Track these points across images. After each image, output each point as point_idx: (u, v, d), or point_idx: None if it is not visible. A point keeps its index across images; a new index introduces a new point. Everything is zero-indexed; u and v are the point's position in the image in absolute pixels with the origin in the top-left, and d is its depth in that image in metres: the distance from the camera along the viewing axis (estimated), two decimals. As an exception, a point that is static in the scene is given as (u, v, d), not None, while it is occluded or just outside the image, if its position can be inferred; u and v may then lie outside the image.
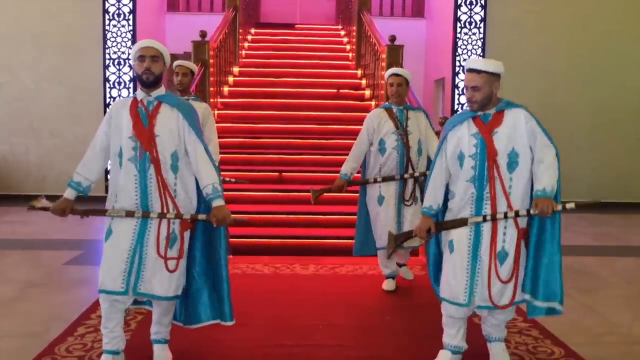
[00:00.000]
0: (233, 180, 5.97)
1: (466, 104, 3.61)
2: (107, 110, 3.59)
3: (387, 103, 5.40)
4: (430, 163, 5.20)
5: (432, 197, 3.66)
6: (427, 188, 3.70)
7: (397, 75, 5.24)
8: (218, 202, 3.47)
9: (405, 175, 5.20)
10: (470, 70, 3.44)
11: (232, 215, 3.49)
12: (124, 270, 3.38)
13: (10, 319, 4.58)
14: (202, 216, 3.53)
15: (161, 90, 3.52)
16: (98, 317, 4.40)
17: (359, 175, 5.56)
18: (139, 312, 4.51)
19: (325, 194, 5.47)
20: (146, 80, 3.44)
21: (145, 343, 3.86)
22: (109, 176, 3.56)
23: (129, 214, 3.40)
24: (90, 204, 3.60)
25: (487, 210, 3.46)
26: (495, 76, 3.44)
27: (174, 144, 3.46)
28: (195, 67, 5.45)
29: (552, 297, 3.48)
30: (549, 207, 3.34)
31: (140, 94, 3.51)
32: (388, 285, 5.44)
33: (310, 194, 5.43)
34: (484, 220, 3.44)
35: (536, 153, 3.44)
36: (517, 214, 3.41)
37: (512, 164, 3.43)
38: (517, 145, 3.44)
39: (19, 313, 4.74)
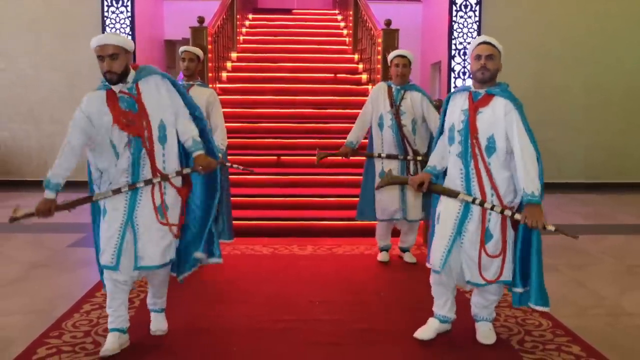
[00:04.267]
0: (240, 167, 6.04)
1: (467, 86, 3.68)
2: (78, 110, 3.42)
3: (390, 81, 5.56)
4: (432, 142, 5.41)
5: (436, 159, 3.84)
6: (433, 148, 3.88)
7: (401, 56, 5.39)
8: (198, 152, 3.58)
9: (409, 157, 5.38)
10: (485, 43, 3.54)
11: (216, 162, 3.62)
12: (114, 245, 3.45)
13: (17, 298, 4.70)
14: (187, 169, 3.62)
15: (132, 74, 3.48)
16: (103, 295, 4.55)
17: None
18: (143, 289, 4.60)
19: (330, 157, 5.68)
20: (110, 81, 3.40)
21: (148, 320, 3.99)
22: (92, 164, 3.56)
23: (116, 191, 3.44)
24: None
25: (475, 188, 3.56)
26: (500, 56, 3.57)
27: (161, 112, 3.50)
28: (201, 53, 5.48)
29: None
30: (538, 222, 3.34)
31: (116, 86, 3.45)
32: (382, 257, 5.72)
33: (316, 157, 5.60)
34: (473, 202, 3.54)
35: (515, 149, 3.44)
36: (502, 211, 3.49)
37: (490, 149, 3.51)
38: (495, 133, 3.49)
39: (26, 292, 4.85)
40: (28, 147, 10.44)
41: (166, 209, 3.56)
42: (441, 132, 3.86)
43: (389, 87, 5.46)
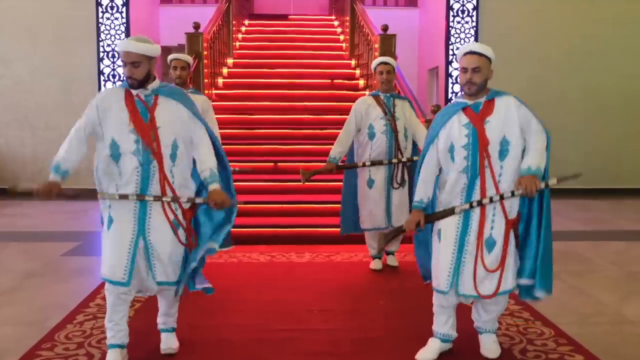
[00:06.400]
0: (236, 169, 5.99)
1: (460, 92, 3.62)
2: (94, 100, 3.44)
3: (375, 91, 5.59)
4: (415, 148, 5.50)
5: (422, 191, 3.62)
6: (416, 182, 3.66)
7: (385, 63, 5.47)
8: (214, 185, 3.46)
9: (394, 160, 5.39)
10: (471, 53, 3.40)
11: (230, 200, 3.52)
12: (126, 260, 3.34)
13: (10, 308, 4.63)
14: (199, 199, 3.51)
15: (156, 83, 3.46)
16: (97, 305, 4.52)
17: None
18: (137, 299, 4.51)
19: (317, 174, 5.67)
20: (132, 86, 3.40)
21: (143, 331, 3.93)
22: (96, 166, 3.48)
23: (123, 196, 3.34)
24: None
25: (476, 196, 3.45)
26: (490, 62, 3.45)
27: (174, 133, 3.42)
28: (191, 59, 5.44)
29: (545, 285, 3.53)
30: (532, 185, 3.29)
31: (136, 90, 3.43)
32: (375, 264, 5.68)
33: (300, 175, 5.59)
34: (471, 207, 3.41)
35: (528, 139, 3.41)
36: (502, 197, 3.38)
37: (503, 152, 3.40)
38: (508, 134, 3.39)
39: (19, 302, 4.77)
40: (23, 154, 10.39)
41: (180, 224, 3.47)
42: (422, 162, 3.64)
43: (376, 97, 5.50)
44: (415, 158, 5.43)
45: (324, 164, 5.61)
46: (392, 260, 5.78)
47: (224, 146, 5.37)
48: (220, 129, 5.70)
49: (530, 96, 10.22)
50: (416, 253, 3.89)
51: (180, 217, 3.46)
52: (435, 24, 11.04)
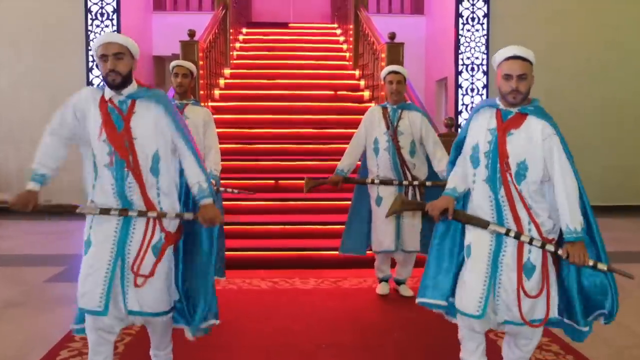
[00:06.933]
0: (235, 190, 5.58)
1: (499, 98, 3.22)
2: (70, 99, 3.18)
3: (385, 103, 5.36)
4: (431, 167, 5.22)
5: (456, 180, 3.37)
6: (448, 172, 3.46)
7: (395, 72, 5.19)
8: (205, 201, 3.22)
9: (405, 182, 5.12)
10: (515, 58, 3.13)
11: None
12: (102, 285, 3.05)
13: (-15, 343, 4.28)
14: (188, 215, 3.25)
15: (133, 87, 3.15)
16: (82, 339, 4.16)
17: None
18: (128, 332, 4.25)
19: (322, 185, 5.41)
20: (112, 83, 3.08)
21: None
22: (85, 174, 3.23)
23: (104, 211, 3.07)
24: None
25: (508, 219, 3.14)
26: (533, 67, 3.18)
27: (155, 143, 3.13)
28: (195, 68, 5.22)
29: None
30: (581, 259, 3.01)
31: (108, 92, 3.12)
32: (382, 289, 5.47)
33: (304, 182, 5.35)
34: (507, 234, 3.13)
35: (556, 180, 3.07)
36: (543, 246, 3.09)
37: (519, 176, 3.11)
38: (529, 159, 3.10)
39: (-5, 336, 4.41)
40: (7, 170, 10.08)
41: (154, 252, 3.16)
42: (458, 150, 3.42)
43: (384, 108, 5.27)
44: (428, 183, 5.14)
45: (332, 190, 5.39)
46: (404, 290, 5.47)
47: (221, 162, 5.10)
48: (217, 143, 5.43)
49: (545, 107, 9.89)
50: (427, 267, 3.46)
51: (161, 241, 3.18)
52: (444, 32, 10.79)
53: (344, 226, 6.83)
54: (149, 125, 3.12)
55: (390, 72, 5.18)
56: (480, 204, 3.23)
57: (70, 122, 3.14)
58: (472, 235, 3.25)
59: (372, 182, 5.18)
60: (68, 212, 3.16)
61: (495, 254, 3.17)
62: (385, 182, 5.12)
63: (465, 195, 3.37)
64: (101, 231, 3.10)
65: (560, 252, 3.08)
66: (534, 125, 3.11)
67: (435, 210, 3.29)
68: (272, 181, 7.84)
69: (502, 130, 3.14)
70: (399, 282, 5.51)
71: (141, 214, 3.10)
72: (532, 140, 3.09)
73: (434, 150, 5.11)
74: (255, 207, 7.40)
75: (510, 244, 3.15)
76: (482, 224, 3.18)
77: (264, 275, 6.08)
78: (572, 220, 3.03)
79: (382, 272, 5.50)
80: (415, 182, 5.12)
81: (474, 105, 9.75)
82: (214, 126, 5.16)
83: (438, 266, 3.39)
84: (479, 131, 3.25)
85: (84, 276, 3.09)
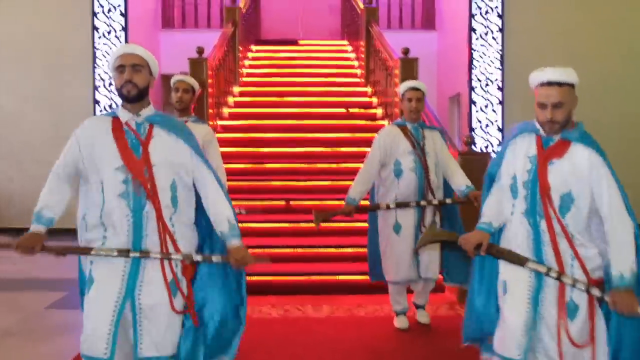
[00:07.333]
0: (243, 211, 5.42)
1: (534, 126, 3.00)
2: (74, 133, 3.00)
3: (399, 120, 5.12)
4: (448, 187, 5.01)
5: (491, 214, 3.14)
6: (483, 204, 3.23)
7: (416, 89, 4.96)
8: (235, 242, 3.01)
9: (422, 203, 4.85)
10: (550, 84, 2.86)
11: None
12: (108, 329, 2.82)
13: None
14: (216, 257, 3.03)
15: (150, 109, 2.99)
16: None
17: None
18: None
19: (333, 217, 5.19)
20: (127, 95, 2.89)
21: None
22: (79, 213, 3.02)
23: (122, 252, 2.82)
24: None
25: (548, 254, 2.92)
26: (574, 88, 2.89)
27: (173, 172, 2.94)
28: (196, 84, 5.05)
29: None
30: (630, 309, 2.73)
31: (124, 114, 2.94)
32: (400, 322, 5.15)
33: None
34: (548, 274, 2.90)
35: (605, 215, 2.83)
36: (588, 291, 2.86)
37: (564, 209, 2.89)
38: (574, 190, 2.88)
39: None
40: (10, 191, 10.02)
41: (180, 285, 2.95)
42: (492, 178, 3.21)
43: (403, 127, 4.97)
44: (448, 201, 4.92)
45: (341, 202, 5.07)
46: (422, 317, 5.24)
47: (230, 182, 4.91)
48: (225, 163, 5.27)
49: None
50: (469, 302, 3.29)
51: (179, 275, 2.94)
52: (456, 47, 10.65)
53: (358, 249, 6.67)
54: (168, 153, 2.95)
55: (409, 89, 4.95)
56: (517, 236, 3.02)
57: (75, 158, 2.94)
58: (509, 272, 3.03)
59: (388, 207, 4.92)
60: (81, 254, 2.96)
61: (536, 290, 2.96)
62: (400, 205, 4.87)
63: None
64: (106, 265, 2.87)
65: (607, 298, 2.82)
66: (579, 154, 2.88)
67: (468, 244, 3.10)
68: (283, 202, 7.65)
69: (542, 160, 2.93)
70: (417, 306, 5.27)
71: (164, 255, 2.88)
72: (577, 171, 2.86)
73: (455, 169, 4.96)
74: (265, 230, 7.22)
75: (551, 284, 2.95)
76: (521, 260, 2.96)
77: (275, 301, 5.89)
78: (618, 263, 2.78)
79: (399, 304, 5.19)
80: (435, 202, 4.87)
81: (489, 121, 9.56)
82: (217, 145, 5.00)
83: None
84: (517, 157, 3.05)
85: (89, 321, 2.88)
